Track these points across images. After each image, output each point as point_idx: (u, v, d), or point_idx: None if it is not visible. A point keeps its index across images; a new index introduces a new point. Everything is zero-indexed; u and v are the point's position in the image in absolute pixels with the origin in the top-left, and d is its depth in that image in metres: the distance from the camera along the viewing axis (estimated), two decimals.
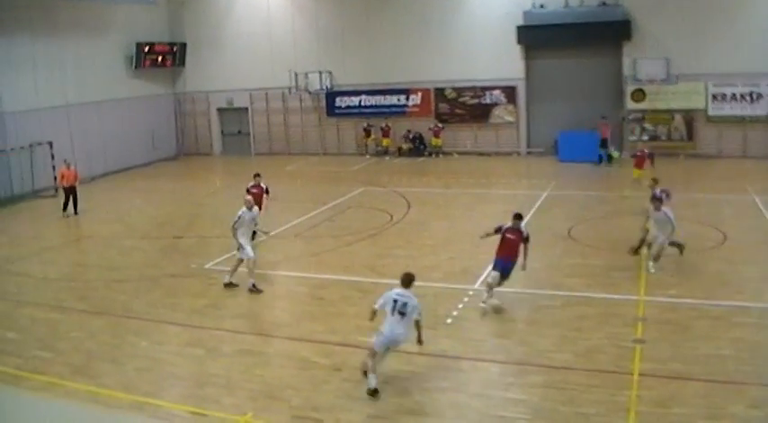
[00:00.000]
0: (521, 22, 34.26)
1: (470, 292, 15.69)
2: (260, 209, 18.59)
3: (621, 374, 11.66)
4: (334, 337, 13.44)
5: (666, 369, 11.80)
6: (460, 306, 14.93)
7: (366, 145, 38.41)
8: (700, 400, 10.83)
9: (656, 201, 16.80)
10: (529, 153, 35.95)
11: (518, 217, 15.00)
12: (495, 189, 28.07)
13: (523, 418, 10.49)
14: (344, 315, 14.53)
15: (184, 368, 12.71)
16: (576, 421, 10.33)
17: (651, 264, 16.64)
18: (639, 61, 32.66)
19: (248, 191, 19.40)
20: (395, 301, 11.26)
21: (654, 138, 33.29)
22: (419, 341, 11.52)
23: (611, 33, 33.07)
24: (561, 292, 15.65)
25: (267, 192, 20.57)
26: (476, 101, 36.31)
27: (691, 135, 33.08)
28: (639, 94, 33.18)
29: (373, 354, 11.29)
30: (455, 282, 16.55)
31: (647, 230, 17.28)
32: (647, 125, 33.45)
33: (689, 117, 32.91)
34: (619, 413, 10.47)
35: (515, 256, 14.73)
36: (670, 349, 12.51)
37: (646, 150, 27.72)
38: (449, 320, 14.14)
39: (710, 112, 32.56)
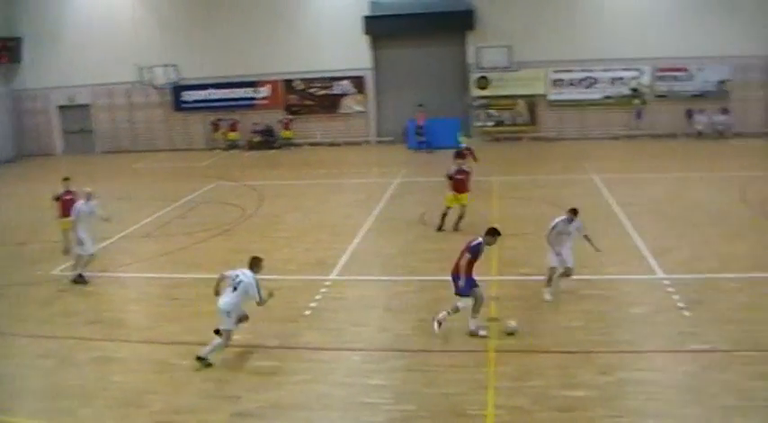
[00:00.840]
0: (367, 13, 34.51)
1: (327, 283, 15.67)
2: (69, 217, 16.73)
3: (479, 352, 11.97)
4: (193, 337, 13.05)
5: (521, 344, 12.20)
6: (318, 297, 14.87)
7: (215, 139, 37.68)
8: (554, 370, 11.27)
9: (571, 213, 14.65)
10: (379, 142, 36.35)
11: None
12: (347, 178, 28.18)
13: (387, 403, 10.56)
14: (201, 314, 14.13)
15: (36, 381, 12.02)
16: (438, 401, 10.50)
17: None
18: (483, 50, 33.62)
19: (59, 198, 17.63)
20: (235, 276, 11.95)
21: (499, 123, 34.42)
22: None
23: (455, 23, 33.88)
24: (417, 277, 15.88)
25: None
26: (325, 91, 36.35)
27: (533, 119, 34.40)
28: (484, 82, 34.15)
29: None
30: (312, 273, 16.47)
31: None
32: (493, 111, 34.47)
33: (531, 102, 34.23)
34: (479, 390, 10.73)
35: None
36: (523, 325, 12.91)
37: (465, 168, 20.21)
38: (307, 312, 14.06)
39: (551, 97, 33.97)
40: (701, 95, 33.61)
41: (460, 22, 33.80)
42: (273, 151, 36.00)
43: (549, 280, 14.26)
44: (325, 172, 29.52)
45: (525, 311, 13.62)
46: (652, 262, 16.13)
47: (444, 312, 12.71)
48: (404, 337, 12.79)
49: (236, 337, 12.11)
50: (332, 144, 36.33)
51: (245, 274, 11.98)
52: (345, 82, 36.04)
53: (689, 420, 9.95)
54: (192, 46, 36.68)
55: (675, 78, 33.69)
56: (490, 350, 12.03)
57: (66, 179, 18.11)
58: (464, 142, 27.80)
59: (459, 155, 21.11)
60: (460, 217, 19.39)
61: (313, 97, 36.59)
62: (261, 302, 12.01)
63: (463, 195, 19.35)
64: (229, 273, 12.12)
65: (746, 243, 17.69)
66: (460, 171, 19.54)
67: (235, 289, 11.91)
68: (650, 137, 33.34)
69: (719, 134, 32.96)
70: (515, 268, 16.12)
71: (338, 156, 33.85)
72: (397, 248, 17.93)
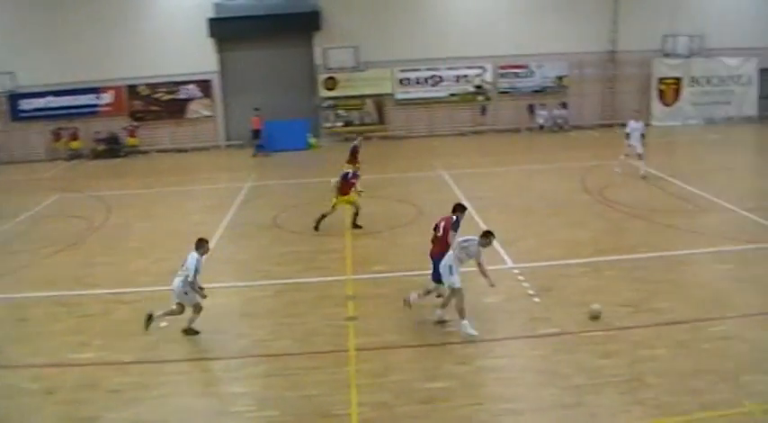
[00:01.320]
0: (212, 15, 33.91)
1: None
2: None
3: (339, 352, 11.99)
4: (42, 359, 12.41)
5: (380, 341, 12.32)
6: (174, 307, 14.45)
7: (56, 149, 35.98)
8: (414, 364, 11.45)
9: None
10: (228, 146, 35.82)
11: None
12: (197, 185, 27.58)
13: (250, 411, 10.40)
14: (52, 333, 13.46)
15: None
16: (301, 404, 10.45)
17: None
18: (330, 50, 33.73)
19: None
20: (185, 259, 12.88)
21: (348, 123, 34.64)
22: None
23: (301, 24, 33.82)
24: (272, 281, 15.73)
25: None
26: (171, 97, 35.46)
27: (382, 118, 34.83)
28: (331, 82, 34.27)
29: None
30: (166, 284, 15.82)
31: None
32: (341, 111, 34.65)
33: (379, 102, 34.63)
34: (341, 390, 10.75)
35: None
36: (381, 322, 13.06)
37: (352, 171, 20.20)
38: (163, 324, 13.62)
39: (398, 96, 34.48)
40: (541, 91, 35.13)
41: (306, 24, 33.79)
42: (119, 160, 34.74)
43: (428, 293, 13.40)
44: (174, 179, 28.78)
45: (382, 308, 13.75)
46: (502, 252, 16.63)
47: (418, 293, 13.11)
48: (262, 343, 12.65)
49: (87, 355, 11.56)
50: (180, 150, 35.48)
51: (191, 255, 12.83)
52: (191, 86, 35.29)
53: (544, 401, 10.35)
54: (28, 52, 34.57)
55: (517, 75, 35.02)
56: (350, 349, 12.07)
57: None
58: (314, 144, 27.80)
59: (354, 156, 21.77)
60: (356, 214, 19.32)
61: (159, 103, 35.61)
62: (191, 281, 12.65)
63: (349, 196, 19.23)
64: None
65: (589, 229, 18.58)
66: (356, 175, 19.54)
67: (183, 268, 12.85)
68: (495, 132, 34.49)
69: (559, 127, 34.53)
70: (369, 266, 16.25)
71: (187, 162, 33.11)
72: (251, 253, 17.73)
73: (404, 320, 13.15)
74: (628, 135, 24.53)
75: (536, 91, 35.10)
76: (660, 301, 13.73)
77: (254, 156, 32.50)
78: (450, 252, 12.53)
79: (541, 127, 34.56)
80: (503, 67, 34.78)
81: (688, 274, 15.48)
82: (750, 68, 36.25)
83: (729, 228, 18.49)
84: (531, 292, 14.20)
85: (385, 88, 34.50)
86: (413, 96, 34.57)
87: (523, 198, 22.03)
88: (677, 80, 35.88)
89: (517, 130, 34.85)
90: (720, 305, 13.57)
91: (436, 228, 13.68)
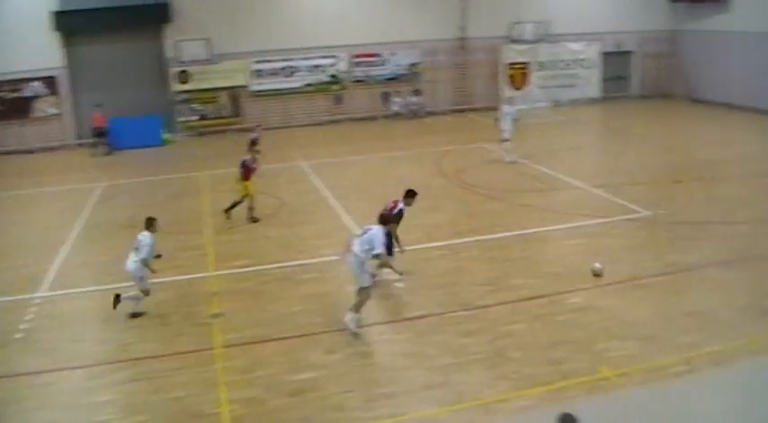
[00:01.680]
0: (56, 8, 32.36)
1: (37, 301, 14.56)
2: None
3: (205, 351, 11.83)
4: None
5: (246, 336, 12.24)
6: (28, 317, 13.79)
7: None
8: (281, 357, 11.44)
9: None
10: (80, 145, 34.38)
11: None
12: (47, 187, 26.32)
13: (117, 419, 10.11)
14: None
15: None
16: (170, 407, 10.26)
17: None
18: (181, 43, 32.92)
19: None
20: (137, 240, 13.34)
21: (203, 117, 33.97)
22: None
23: (151, 16, 32.76)
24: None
25: None
26: (15, 95, 33.59)
27: (237, 111, 34.35)
28: (184, 76, 33.50)
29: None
30: (18, 293, 15.14)
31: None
32: (196, 105, 33.95)
33: (234, 94, 34.12)
34: (209, 389, 10.62)
35: None
36: (247, 317, 12.98)
37: (251, 156, 20.38)
38: (18, 335, 13.01)
39: (253, 88, 34.12)
40: (395, 79, 35.57)
41: (156, 16, 32.78)
42: None
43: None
44: (23, 182, 27.34)
45: (246, 303, 13.67)
46: None
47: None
48: (125, 347, 12.29)
49: None
50: (28, 151, 33.75)
51: (143, 235, 13.33)
52: (37, 83, 33.56)
53: (414, 383, 10.58)
54: None
55: (370, 64, 35.32)
56: (216, 346, 11.93)
57: None
58: (168, 139, 27.03)
59: (254, 143, 22.15)
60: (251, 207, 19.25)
61: (2, 102, 33.79)
62: (146, 264, 13.24)
63: (252, 182, 19.26)
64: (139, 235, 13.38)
65: (446, 213, 19.04)
66: (255, 160, 19.87)
67: (136, 249, 13.23)
68: (351, 120, 34.69)
69: (414, 114, 35.08)
70: (232, 261, 16.07)
71: (36, 163, 31.53)
72: (109, 255, 17.14)
73: (270, 314, 13.13)
74: (498, 120, 25.17)
75: (390, 79, 35.53)
76: (517, 278, 14.28)
77: (108, 154, 31.40)
78: (358, 253, 12.15)
79: (397, 114, 35.02)
80: (357, 56, 35.00)
81: (542, 250, 16.15)
82: (593, 53, 38.07)
83: (579, 204, 19.38)
84: (393, 277, 14.42)
85: (239, 80, 34.04)
86: (268, 88, 34.29)
87: (382, 185, 22.25)
88: (525, 65, 37.19)
89: (373, 118, 35.18)
90: (574, 278, 14.25)
91: (386, 207, 14.44)
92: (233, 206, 19.20)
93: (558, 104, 37.09)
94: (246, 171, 19.13)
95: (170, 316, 13.33)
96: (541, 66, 37.39)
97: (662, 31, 39.17)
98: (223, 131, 33.21)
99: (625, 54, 39.34)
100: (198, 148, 28.63)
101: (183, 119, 33.86)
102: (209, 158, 27.74)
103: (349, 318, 12.24)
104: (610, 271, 14.53)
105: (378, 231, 12.29)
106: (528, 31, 36.54)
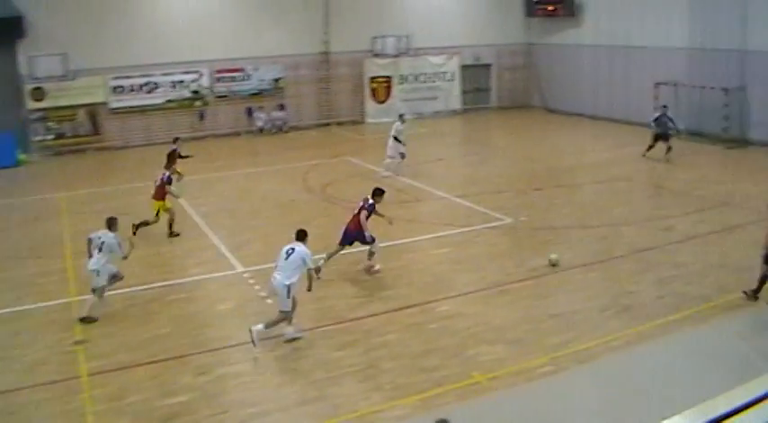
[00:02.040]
0: None
1: None
2: None
3: (70, 380, 11.33)
4: None
5: (113, 362, 11.82)
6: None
7: None
8: (151, 381, 11.12)
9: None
10: None
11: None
12: None
13: None
14: None
15: None
16: None
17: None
18: (36, 59, 31.52)
19: None
20: (98, 238, 13.65)
21: (60, 135, 32.60)
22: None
23: (3, 31, 31.21)
24: None
25: None
26: None
27: (96, 129, 33.17)
28: (39, 93, 32.09)
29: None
30: None
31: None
32: (52, 123, 32.58)
33: (92, 111, 32.91)
34: (77, 419, 10.21)
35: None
36: (113, 342, 12.54)
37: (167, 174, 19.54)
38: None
39: (112, 105, 33.06)
40: (258, 94, 35.26)
41: (9, 30, 31.20)
42: None
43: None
44: None
45: (112, 327, 13.20)
46: (231, 258, 16.60)
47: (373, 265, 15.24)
48: None
49: None
50: None
51: (106, 235, 13.59)
52: None
53: (288, 399, 10.54)
54: None
55: (233, 79, 34.91)
56: (82, 375, 11.46)
57: None
58: (23, 159, 25.82)
59: (172, 160, 21.39)
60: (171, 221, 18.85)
61: None
62: (125, 257, 13.87)
63: (164, 202, 18.70)
64: (92, 235, 13.72)
65: (314, 227, 18.87)
66: (169, 179, 19.06)
67: (100, 250, 13.47)
68: (215, 137, 34.11)
69: (278, 129, 34.91)
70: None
71: None
72: None
73: (138, 337, 12.73)
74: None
75: (254, 94, 35.20)
76: (388, 289, 14.46)
77: None
78: (282, 282, 12.15)
79: (261, 130, 34.73)
80: (219, 72, 34.51)
81: (411, 260, 16.39)
82: (453, 66, 39.02)
83: (444, 214, 19.84)
84: (262, 294, 14.31)
85: (98, 97, 32.89)
86: (128, 104, 33.29)
87: (248, 202, 22.10)
88: (388, 78, 37.70)
89: (237, 134, 34.74)
90: (443, 286, 14.57)
91: (355, 208, 15.72)
92: (142, 224, 18.61)
93: (420, 117, 37.79)
94: (161, 190, 18.68)
95: (30, 346, 12.70)
96: (403, 79, 38.02)
97: (518, 45, 40.67)
98: (82, 150, 32.00)
99: (484, 67, 40.57)
100: (54, 168, 27.46)
101: (38, 138, 32.39)
102: (69, 179, 26.69)
103: (256, 328, 11.97)
104: (476, 278, 14.94)
105: (302, 249, 12.57)
106: (390, 44, 37.09)
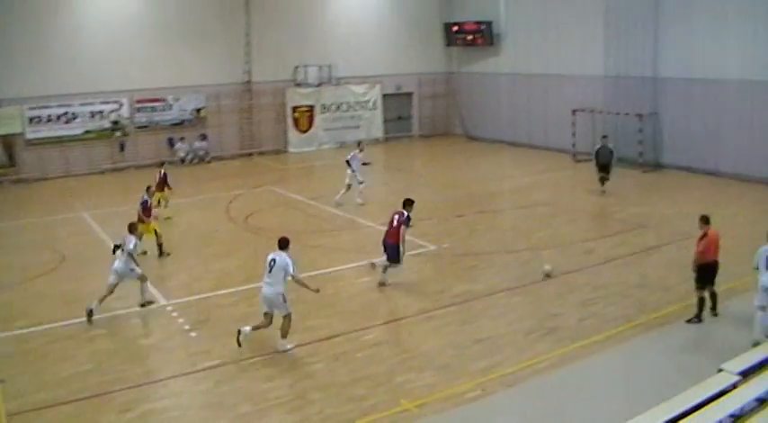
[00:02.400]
0: None
1: None
2: None
3: None
4: None
5: (31, 402, 11.38)
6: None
7: None
8: (73, 421, 10.79)
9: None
10: None
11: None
12: None
13: None
14: None
15: None
16: None
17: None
18: None
19: None
20: (123, 242, 15.23)
21: None
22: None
23: None
24: None
25: None
26: None
27: (12, 161, 32.25)
28: None
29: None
30: None
31: None
32: None
33: (8, 142, 31.98)
34: None
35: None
36: (31, 381, 12.11)
37: (147, 198, 20.13)
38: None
39: (29, 136, 32.19)
40: (180, 124, 34.85)
41: None
42: None
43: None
44: None
45: (30, 366, 12.76)
46: (154, 291, 16.26)
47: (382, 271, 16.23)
48: None
49: None
50: None
51: (129, 240, 15.18)
52: None
53: None
54: None
55: (154, 109, 34.43)
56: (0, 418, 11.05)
57: None
58: None
59: (163, 184, 22.32)
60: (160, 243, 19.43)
61: None
62: (131, 253, 15.14)
63: (147, 224, 19.35)
64: (121, 240, 15.33)
65: (237, 258, 18.85)
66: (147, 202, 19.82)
67: (122, 251, 15.11)
68: (135, 168, 33.50)
69: (200, 159, 34.55)
70: (11, 323, 14.86)
71: None
72: None
73: (57, 375, 12.31)
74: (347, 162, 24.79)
75: (175, 124, 34.76)
76: (314, 319, 14.35)
77: None
78: (269, 294, 12.90)
79: (183, 160, 34.31)
80: (139, 102, 33.99)
81: (336, 289, 16.32)
82: (375, 94, 39.34)
83: (368, 242, 19.79)
84: (186, 327, 14.09)
85: (14, 128, 31.94)
86: (45, 135, 32.45)
87: (172, 233, 21.71)
88: (310, 108, 37.73)
89: (160, 164, 34.23)
90: (368, 314, 14.57)
91: (391, 221, 16.32)
92: (159, 247, 19.40)
93: (343, 146, 37.91)
94: (145, 212, 19.47)
95: None
96: (326, 108, 38.11)
97: (439, 73, 41.31)
98: None
99: (406, 95, 41.02)
100: None
101: None
102: None
103: (281, 343, 12.93)
104: (401, 305, 15.00)
105: (283, 257, 12.92)
106: (312, 74, 37.17)
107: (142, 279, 15.30)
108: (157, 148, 34.13)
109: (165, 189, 23.41)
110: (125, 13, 32.78)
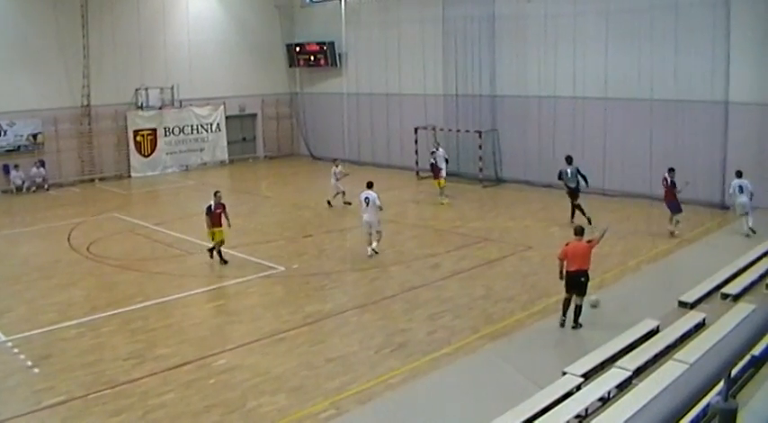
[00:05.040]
0: None
1: None
2: None
3: None
4: None
5: None
6: None
7: None
8: None
9: None
10: None
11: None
12: None
13: None
14: None
15: None
16: None
17: None
18: None
19: None
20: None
21: None
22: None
23: None
24: None
25: None
26: None
27: None
28: None
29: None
30: None
31: None
32: None
33: None
34: None
35: None
36: None
37: (213, 202, 20.17)
38: None
39: None
40: (15, 150, 33.07)
41: None
42: None
43: None
44: None
45: None
46: None
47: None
48: None
49: None
50: None
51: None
52: None
53: None
54: None
55: None
56: None
57: None
58: None
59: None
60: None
61: None
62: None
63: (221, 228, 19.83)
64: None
65: (81, 288, 18.18)
66: (219, 205, 19.90)
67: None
68: None
69: (38, 187, 33.01)
70: None
71: None
72: None
73: None
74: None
75: (10, 150, 32.98)
76: (162, 348, 14.04)
77: None
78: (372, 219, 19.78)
79: (19, 188, 32.67)
80: None
81: (185, 316, 16.03)
82: (218, 116, 38.89)
83: (216, 266, 19.63)
84: (29, 363, 13.45)
85: None
86: None
87: (8, 265, 20.66)
88: (153, 131, 36.82)
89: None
90: (219, 340, 14.41)
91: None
92: (219, 253, 19.85)
93: (187, 169, 37.28)
94: (215, 217, 19.76)
95: None
96: (169, 131, 37.32)
97: (282, 94, 41.41)
98: None
99: (250, 117, 40.83)
100: None
101: None
102: None
103: (374, 246, 19.87)
104: (252, 328, 14.92)
105: (373, 194, 19.78)
106: (153, 96, 36.34)
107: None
108: None
109: (223, 221, 20.14)
110: None
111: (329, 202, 27.03)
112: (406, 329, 14.71)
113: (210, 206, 19.83)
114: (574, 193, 22.93)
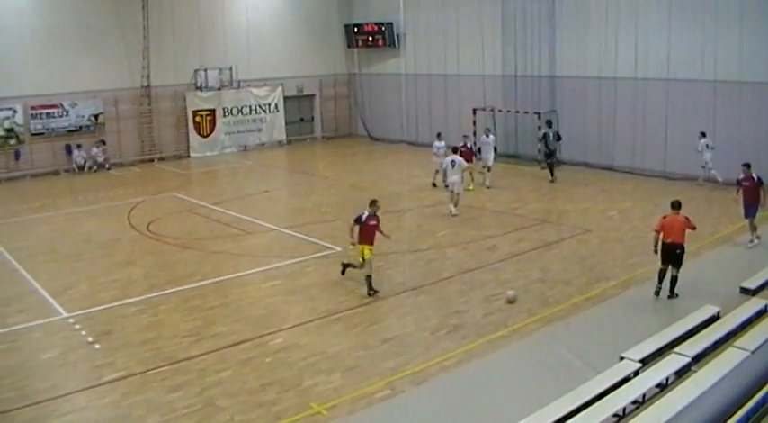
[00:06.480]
0: None
1: None
2: None
3: None
4: None
5: None
6: None
7: None
8: None
9: None
10: None
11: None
12: None
13: None
14: None
15: None
16: None
17: None
18: None
19: None
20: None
21: None
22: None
23: None
24: None
25: None
26: None
27: None
28: None
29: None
30: None
31: None
32: None
33: None
34: None
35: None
36: None
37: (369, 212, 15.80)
38: None
39: None
40: (77, 130, 33.78)
41: None
42: None
43: None
44: None
45: None
46: (53, 303, 15.80)
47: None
48: None
49: None
50: None
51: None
52: None
53: None
54: None
55: (50, 115, 33.28)
56: None
57: None
58: None
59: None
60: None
61: None
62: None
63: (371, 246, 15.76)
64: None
65: (140, 266, 18.47)
66: (373, 216, 15.86)
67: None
68: (32, 176, 32.46)
69: (99, 166, 33.64)
70: None
71: None
72: None
73: None
74: (479, 150, 27.93)
75: (72, 131, 33.68)
76: (219, 326, 14.21)
77: None
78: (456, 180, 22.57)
79: (81, 168, 33.34)
80: (34, 108, 32.83)
81: (242, 295, 16.18)
82: (276, 97, 39.08)
83: (273, 246, 19.78)
84: (90, 339, 13.73)
85: None
86: None
87: (70, 243, 21.12)
88: (211, 112, 37.21)
89: (56, 173, 33.16)
90: (276, 319, 14.51)
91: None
92: (368, 282, 15.78)
93: (245, 149, 37.59)
94: (367, 230, 15.63)
95: None
96: (227, 112, 37.66)
97: (341, 75, 41.46)
98: None
99: (307, 97, 40.97)
100: None
101: None
102: None
103: (454, 209, 22.31)
104: (308, 308, 15.00)
105: (458, 159, 22.77)
106: (212, 77, 36.67)
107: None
108: (54, 156, 33.16)
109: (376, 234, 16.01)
110: (17, 18, 31.54)
111: (434, 184, 27.14)
112: (462, 311, 14.65)
113: (361, 217, 15.68)
114: (551, 153, 27.80)
